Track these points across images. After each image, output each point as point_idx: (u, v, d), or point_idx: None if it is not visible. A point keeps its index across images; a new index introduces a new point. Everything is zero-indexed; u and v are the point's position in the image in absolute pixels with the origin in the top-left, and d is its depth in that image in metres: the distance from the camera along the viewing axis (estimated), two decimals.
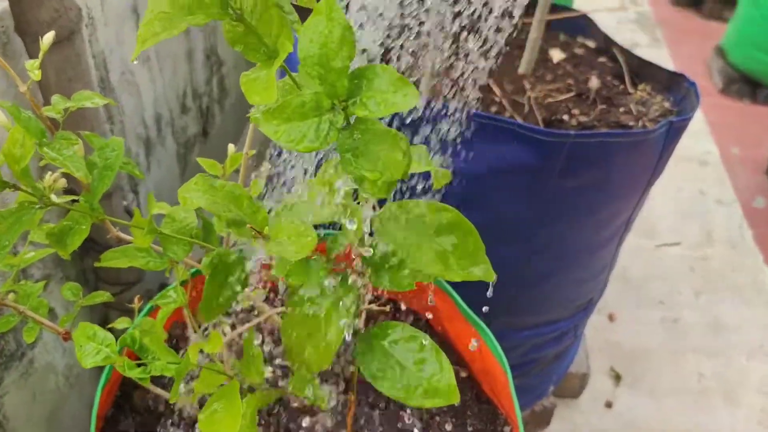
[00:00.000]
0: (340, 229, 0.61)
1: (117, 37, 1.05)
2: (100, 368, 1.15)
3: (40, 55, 0.54)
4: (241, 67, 1.73)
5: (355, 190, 0.50)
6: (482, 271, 0.46)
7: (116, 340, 0.56)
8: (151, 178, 1.26)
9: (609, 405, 1.41)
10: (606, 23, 1.25)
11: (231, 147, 0.65)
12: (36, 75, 0.54)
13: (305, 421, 0.70)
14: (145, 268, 0.54)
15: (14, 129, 0.46)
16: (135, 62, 1.13)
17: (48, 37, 0.56)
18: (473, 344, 0.77)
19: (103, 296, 0.66)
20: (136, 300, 0.72)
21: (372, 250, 0.53)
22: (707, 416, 1.42)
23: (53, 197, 0.56)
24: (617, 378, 1.47)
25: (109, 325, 0.70)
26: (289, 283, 0.49)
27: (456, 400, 0.50)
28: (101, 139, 0.57)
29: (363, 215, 0.50)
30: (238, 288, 0.52)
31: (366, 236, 0.53)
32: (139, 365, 0.49)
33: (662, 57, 2.64)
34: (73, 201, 0.55)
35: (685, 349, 1.56)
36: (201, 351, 0.55)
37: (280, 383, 0.75)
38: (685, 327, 1.61)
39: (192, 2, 0.41)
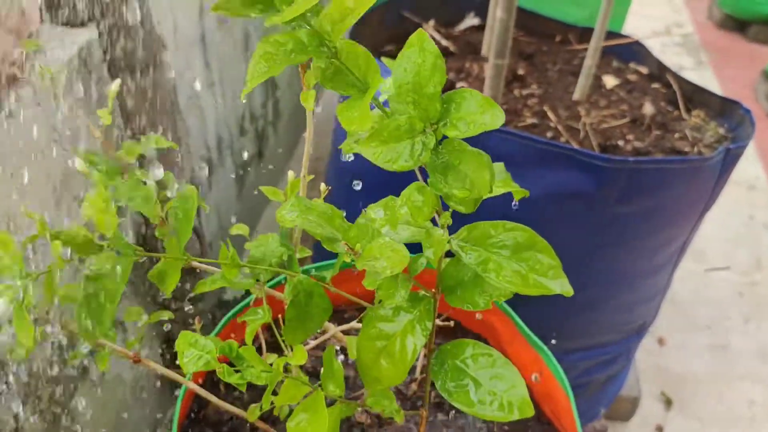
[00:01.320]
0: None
1: (187, 62, 1.10)
2: (164, 383, 1.19)
3: (110, 102, 0.58)
4: (294, 90, 1.78)
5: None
6: (560, 286, 0.49)
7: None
8: (212, 198, 1.31)
9: (660, 429, 1.41)
10: (651, 46, 1.27)
11: (291, 173, 0.68)
12: (107, 120, 0.58)
13: None
14: (234, 287, 0.57)
15: (95, 198, 0.49)
16: (202, 86, 1.18)
17: (115, 84, 0.60)
18: (535, 377, 0.80)
19: (164, 314, 0.70)
20: (196, 321, 0.75)
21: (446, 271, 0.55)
22: None
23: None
24: (668, 402, 1.46)
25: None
26: (378, 296, 0.52)
27: (531, 413, 0.52)
28: (171, 174, 0.61)
29: (441, 236, 0.52)
30: (323, 315, 0.55)
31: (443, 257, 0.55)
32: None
33: (707, 80, 2.63)
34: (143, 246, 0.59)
35: (735, 376, 1.55)
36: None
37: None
38: (735, 353, 1.60)
39: (294, 46, 0.44)
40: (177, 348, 0.51)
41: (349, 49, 0.46)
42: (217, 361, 0.51)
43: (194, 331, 0.76)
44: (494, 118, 0.45)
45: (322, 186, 0.67)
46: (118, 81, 0.61)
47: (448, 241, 0.52)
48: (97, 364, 0.65)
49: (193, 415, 0.79)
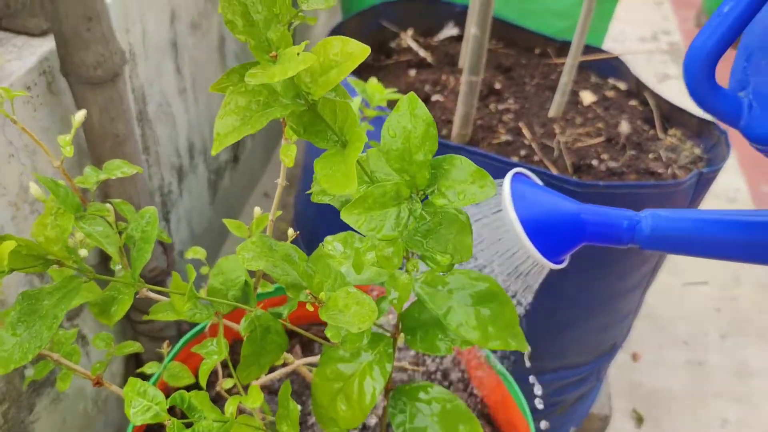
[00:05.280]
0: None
1: (157, 70, 1.08)
2: None
3: (72, 131, 0.55)
4: None
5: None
6: (517, 342, 0.48)
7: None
8: (183, 206, 1.28)
9: None
10: (637, 55, 1.25)
11: (257, 210, 0.66)
12: (68, 152, 0.55)
13: None
14: (191, 320, 0.55)
15: (42, 215, 0.47)
16: (173, 93, 1.15)
17: (80, 115, 0.57)
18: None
19: (133, 346, 0.67)
20: (164, 345, 0.74)
21: (406, 315, 0.54)
22: None
23: (83, 252, 0.58)
24: (639, 420, 1.45)
25: (138, 370, 0.71)
26: (342, 348, 0.50)
27: None
28: (131, 207, 0.58)
29: (407, 281, 0.50)
30: (278, 352, 0.53)
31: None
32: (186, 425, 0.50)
33: None
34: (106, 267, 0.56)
35: (710, 393, 1.55)
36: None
37: None
38: (710, 370, 1.60)
39: (268, 98, 0.41)
40: (124, 396, 0.49)
41: (326, 103, 0.43)
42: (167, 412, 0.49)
43: (161, 351, 0.74)
44: (484, 190, 0.42)
45: (290, 231, 0.65)
46: (83, 112, 0.59)
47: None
48: (58, 384, 0.63)
49: None
